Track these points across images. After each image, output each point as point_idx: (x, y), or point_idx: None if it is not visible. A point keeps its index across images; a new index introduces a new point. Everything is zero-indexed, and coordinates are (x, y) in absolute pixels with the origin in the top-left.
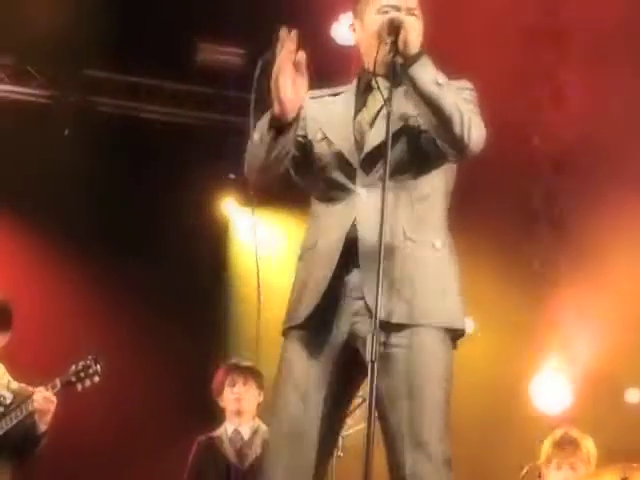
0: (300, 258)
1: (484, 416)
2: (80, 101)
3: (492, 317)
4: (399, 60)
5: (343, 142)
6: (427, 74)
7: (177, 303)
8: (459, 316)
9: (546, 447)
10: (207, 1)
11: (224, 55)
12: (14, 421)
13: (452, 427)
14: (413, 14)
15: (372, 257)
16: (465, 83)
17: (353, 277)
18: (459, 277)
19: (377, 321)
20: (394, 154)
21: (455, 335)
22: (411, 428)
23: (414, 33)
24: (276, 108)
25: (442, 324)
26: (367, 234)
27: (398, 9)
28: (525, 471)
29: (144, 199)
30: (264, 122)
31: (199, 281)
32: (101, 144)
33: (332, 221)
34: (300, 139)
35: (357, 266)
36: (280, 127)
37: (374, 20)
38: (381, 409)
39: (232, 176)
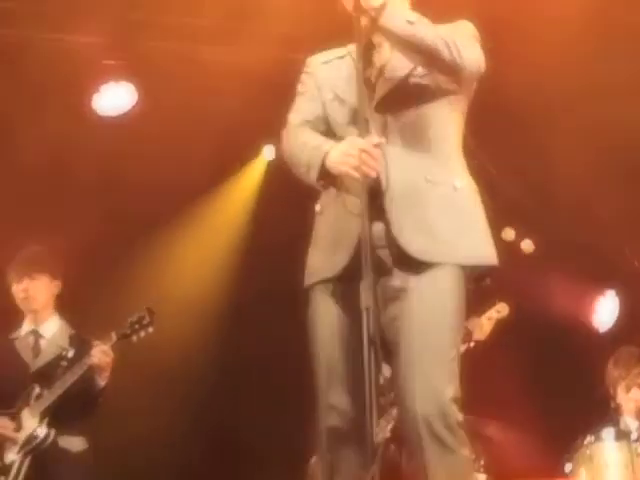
0: (320, 212)
1: None
2: None
3: None
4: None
5: (355, 98)
6: (397, 19)
7: None
8: (482, 253)
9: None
10: None
11: None
12: (75, 377)
13: None
14: None
15: (401, 202)
16: (461, 22)
17: (378, 226)
18: (482, 214)
19: (370, 270)
20: (402, 101)
21: (478, 272)
22: (421, 368)
23: None
24: (354, 173)
25: (461, 261)
26: (392, 180)
27: None
28: None
29: None
30: (315, 164)
31: None
32: None
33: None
34: (320, 110)
35: (382, 214)
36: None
37: None
38: (394, 346)
39: None
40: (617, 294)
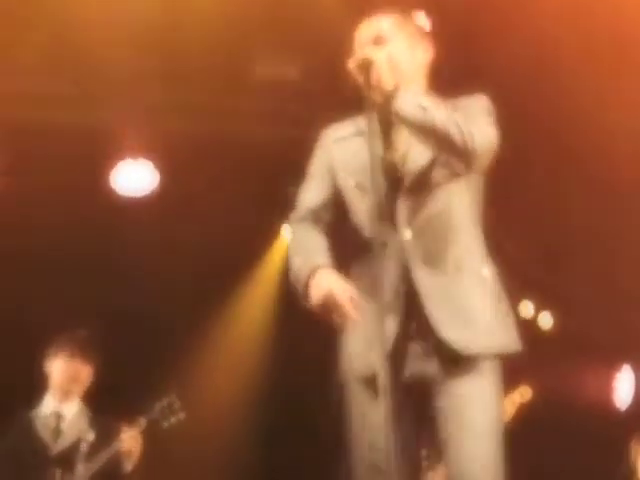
0: None
1: None
2: None
3: None
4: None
5: (378, 188)
6: (408, 104)
7: None
8: (513, 340)
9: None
10: None
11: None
12: (102, 462)
13: None
14: (383, 42)
15: (434, 295)
16: (476, 98)
17: (416, 320)
18: (507, 300)
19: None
20: (428, 189)
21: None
22: (469, 468)
23: (385, 68)
24: (335, 318)
25: (500, 350)
26: (421, 276)
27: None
28: None
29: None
30: (302, 279)
31: None
32: None
33: (386, 264)
34: (328, 193)
35: (419, 309)
36: None
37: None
38: (442, 433)
39: None
40: (633, 368)
